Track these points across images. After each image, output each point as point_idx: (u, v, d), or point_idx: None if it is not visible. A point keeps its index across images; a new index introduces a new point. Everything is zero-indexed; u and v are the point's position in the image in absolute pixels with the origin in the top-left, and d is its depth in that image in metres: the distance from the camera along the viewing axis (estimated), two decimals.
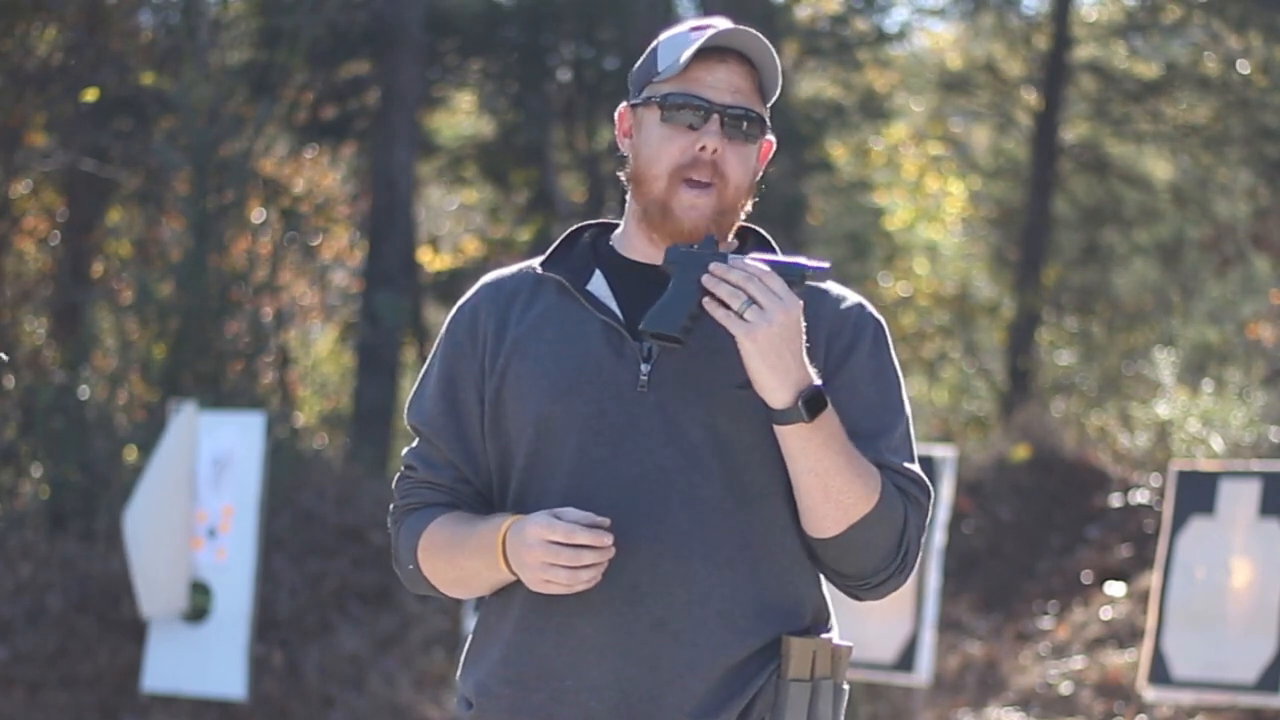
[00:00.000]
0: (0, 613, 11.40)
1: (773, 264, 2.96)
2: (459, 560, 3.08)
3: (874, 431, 3.08)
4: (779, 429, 2.98)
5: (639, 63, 3.18)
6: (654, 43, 3.17)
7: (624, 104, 3.19)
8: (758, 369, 2.94)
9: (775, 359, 2.93)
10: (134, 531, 9.63)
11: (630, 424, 3.02)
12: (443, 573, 3.12)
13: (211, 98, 13.50)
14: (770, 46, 3.09)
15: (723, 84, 3.08)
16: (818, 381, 2.97)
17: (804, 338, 2.96)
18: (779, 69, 3.11)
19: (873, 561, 3.06)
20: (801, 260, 2.97)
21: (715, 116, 3.07)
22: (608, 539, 2.95)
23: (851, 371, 3.09)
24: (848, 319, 3.12)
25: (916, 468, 3.11)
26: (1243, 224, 16.57)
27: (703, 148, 3.07)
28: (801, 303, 2.95)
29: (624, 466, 3.01)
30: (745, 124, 3.08)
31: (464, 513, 3.12)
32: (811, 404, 2.95)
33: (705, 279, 2.96)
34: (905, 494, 3.07)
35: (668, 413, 3.02)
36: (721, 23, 3.11)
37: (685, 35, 3.12)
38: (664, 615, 3.00)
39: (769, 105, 3.15)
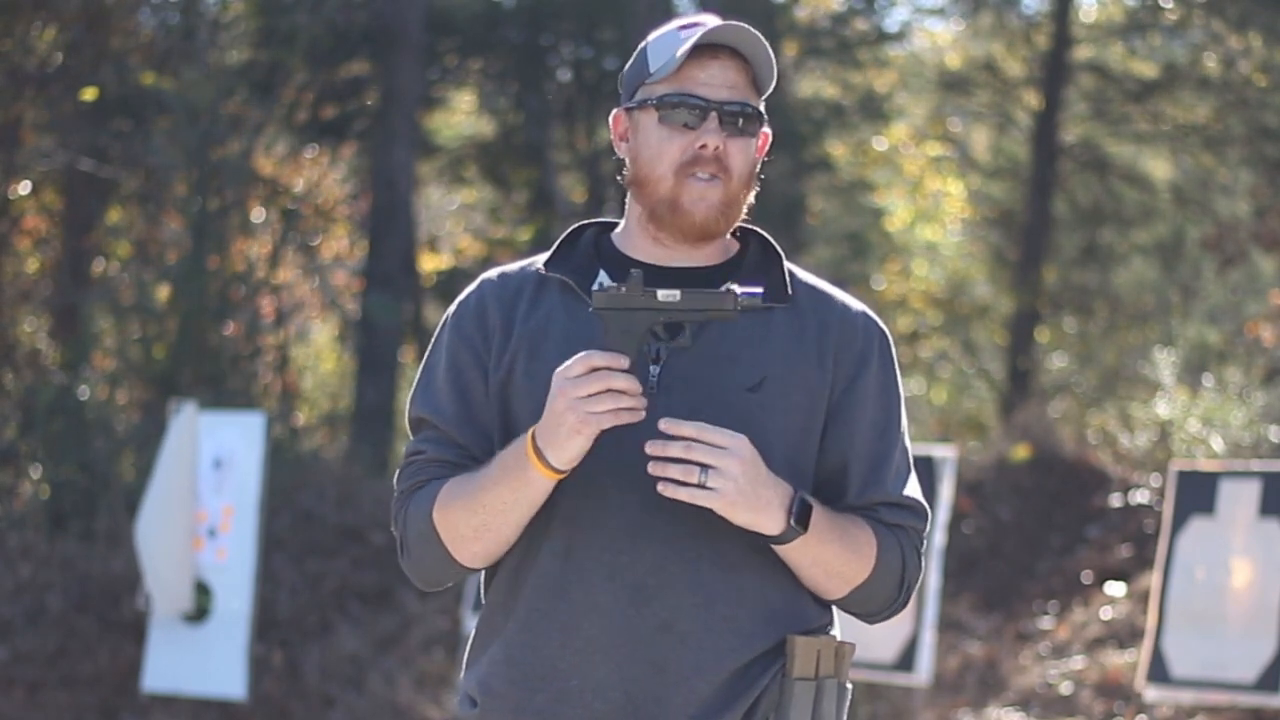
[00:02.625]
0: (0, 613, 11.41)
1: (705, 291, 2.92)
2: (481, 496, 3.00)
3: (878, 455, 3.09)
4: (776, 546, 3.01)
5: (628, 65, 3.16)
6: (642, 44, 3.15)
7: (617, 109, 3.17)
8: (745, 519, 2.94)
9: (755, 501, 2.93)
10: (144, 534, 9.63)
11: (640, 427, 2.99)
12: (462, 521, 3.02)
13: (211, 98, 13.50)
14: (762, 39, 3.08)
15: (717, 80, 3.07)
16: (797, 492, 2.98)
17: (762, 464, 2.94)
18: (773, 61, 3.10)
19: (876, 605, 3.12)
20: (730, 287, 2.92)
21: (713, 114, 3.06)
22: (623, 360, 2.90)
23: (861, 389, 3.09)
24: (856, 329, 3.12)
25: (913, 489, 3.12)
26: (1245, 223, 16.56)
27: (703, 146, 3.06)
28: (745, 438, 2.92)
29: (634, 470, 2.99)
30: (742, 119, 3.08)
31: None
32: (802, 515, 2.97)
33: (652, 467, 2.91)
34: (902, 530, 3.09)
35: (676, 415, 2.99)
36: (710, 20, 3.09)
37: (674, 34, 3.10)
38: (670, 617, 3.00)
39: (764, 97, 3.13)
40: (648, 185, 3.10)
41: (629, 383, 2.89)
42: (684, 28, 3.10)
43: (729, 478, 2.90)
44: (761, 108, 3.12)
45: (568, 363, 2.91)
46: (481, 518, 3.01)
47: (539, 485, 2.97)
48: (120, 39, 14.79)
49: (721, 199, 3.07)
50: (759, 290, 2.94)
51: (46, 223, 15.34)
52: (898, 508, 3.09)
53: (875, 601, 3.10)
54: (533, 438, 2.95)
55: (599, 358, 2.89)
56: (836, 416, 3.08)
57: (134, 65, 14.68)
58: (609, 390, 2.89)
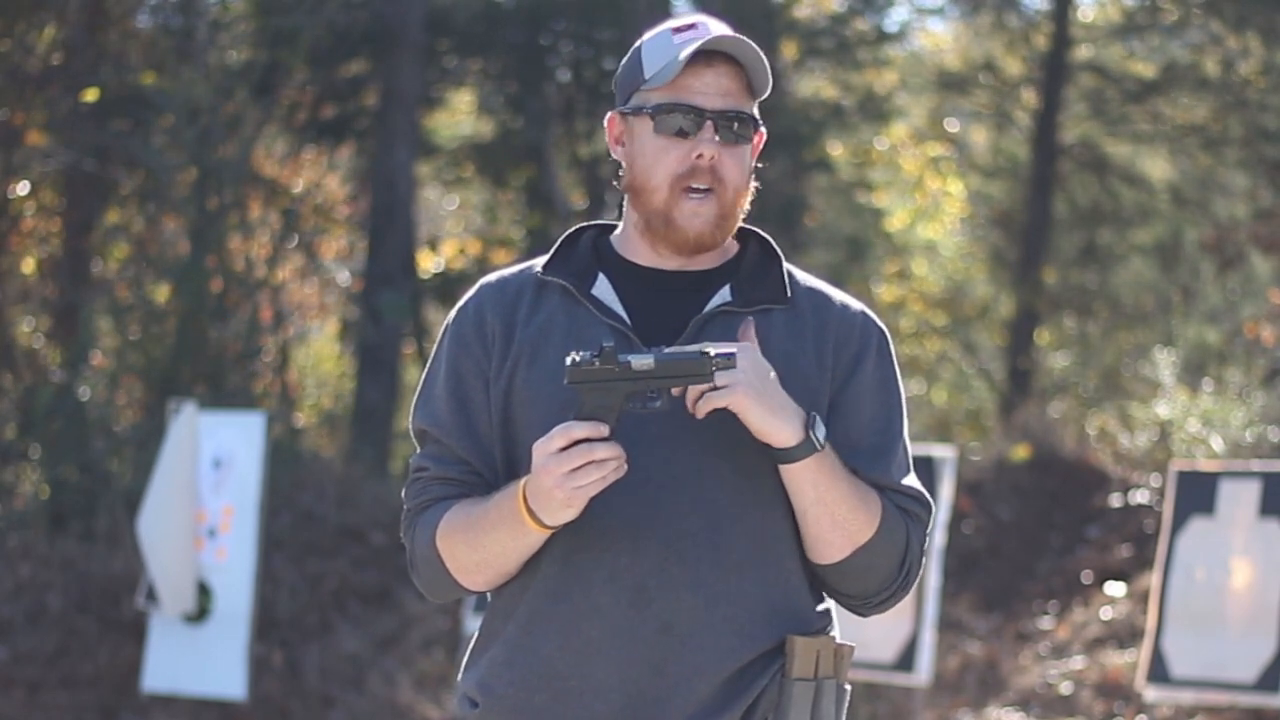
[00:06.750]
0: (0, 613, 11.41)
1: (679, 355, 2.93)
2: (480, 538, 3.02)
3: (879, 448, 3.10)
4: (786, 469, 2.99)
5: (622, 66, 3.15)
6: (636, 45, 3.14)
7: (612, 111, 3.16)
8: (760, 418, 2.95)
9: (769, 400, 2.94)
10: (148, 534, 9.62)
11: (641, 429, 3.01)
12: (464, 556, 3.05)
13: (211, 98, 13.50)
14: (755, 46, 3.08)
15: (712, 89, 3.06)
16: (812, 412, 2.99)
17: (772, 374, 2.97)
18: (768, 67, 3.09)
19: (876, 582, 3.10)
20: (705, 348, 2.94)
21: (709, 123, 3.06)
22: (603, 428, 2.92)
23: (859, 384, 3.11)
24: (854, 327, 3.13)
25: (916, 481, 3.13)
26: (1244, 224, 16.57)
27: (699, 155, 3.06)
28: (749, 345, 2.96)
29: (635, 471, 2.99)
30: (737, 124, 3.07)
31: (478, 497, 3.08)
32: (818, 429, 2.97)
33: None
34: (907, 513, 3.10)
35: (679, 418, 3.00)
36: (704, 22, 3.08)
37: (667, 37, 3.09)
38: (671, 619, 3.01)
39: (758, 101, 3.12)
40: (643, 194, 3.10)
41: (610, 450, 2.91)
42: (678, 30, 3.08)
43: (737, 372, 2.91)
44: (755, 111, 3.11)
45: (548, 436, 2.91)
46: (481, 555, 3.04)
47: (535, 536, 3.00)
48: (120, 39, 14.79)
49: (716, 213, 3.08)
50: (732, 350, 2.94)
51: (46, 222, 15.34)
52: (902, 495, 3.10)
53: (875, 575, 3.08)
54: (524, 496, 2.96)
55: (579, 429, 2.90)
56: (835, 413, 3.08)
57: (134, 65, 14.68)
58: (592, 462, 2.90)
